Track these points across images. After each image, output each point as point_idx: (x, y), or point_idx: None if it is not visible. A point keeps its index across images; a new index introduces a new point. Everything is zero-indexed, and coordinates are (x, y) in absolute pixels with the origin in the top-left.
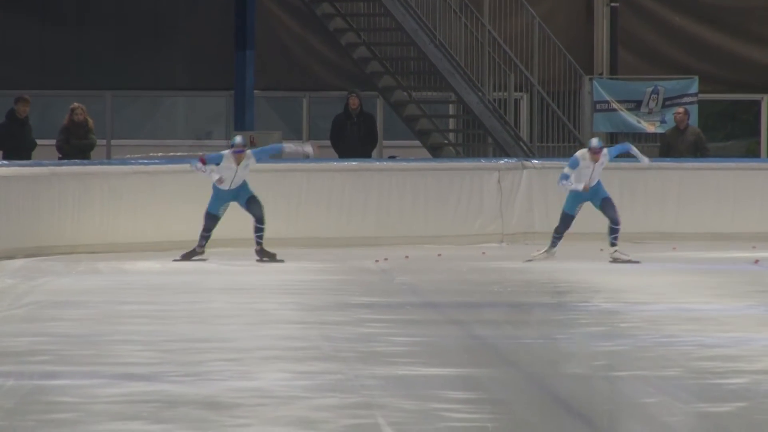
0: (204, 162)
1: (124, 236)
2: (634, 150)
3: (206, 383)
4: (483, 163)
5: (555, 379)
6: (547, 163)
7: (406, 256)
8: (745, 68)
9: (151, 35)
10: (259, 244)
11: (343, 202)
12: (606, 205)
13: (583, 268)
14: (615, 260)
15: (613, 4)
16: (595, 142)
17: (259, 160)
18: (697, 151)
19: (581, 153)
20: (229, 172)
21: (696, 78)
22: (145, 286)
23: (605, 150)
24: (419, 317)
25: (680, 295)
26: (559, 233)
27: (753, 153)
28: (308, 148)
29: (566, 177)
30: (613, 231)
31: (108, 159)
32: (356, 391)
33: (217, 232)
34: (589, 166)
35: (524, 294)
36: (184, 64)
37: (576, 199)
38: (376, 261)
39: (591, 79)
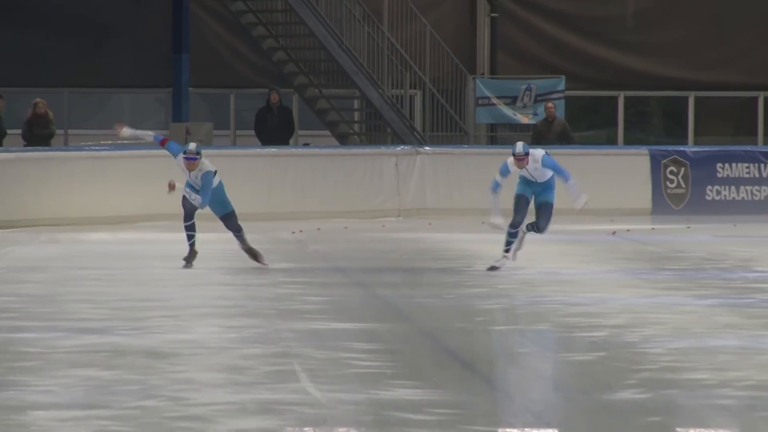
0: (163, 144)
1: (79, 211)
2: (572, 186)
3: (149, 336)
4: (383, 149)
5: (444, 332)
6: (438, 149)
7: (318, 228)
8: (605, 68)
9: (102, 41)
10: (243, 244)
11: (264, 182)
12: (542, 211)
13: (467, 238)
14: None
15: (492, 15)
16: (519, 147)
17: (204, 184)
18: (563, 139)
19: (510, 160)
20: (185, 173)
21: (563, 77)
22: (97, 253)
23: (537, 155)
24: (329, 280)
25: (550, 262)
26: (513, 228)
27: (611, 141)
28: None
29: (495, 186)
30: (533, 229)
31: (65, 146)
32: (276, 343)
33: (157, 206)
34: (524, 171)
35: (417, 260)
36: (128, 66)
37: (520, 185)
38: (293, 232)
39: (474, 78)
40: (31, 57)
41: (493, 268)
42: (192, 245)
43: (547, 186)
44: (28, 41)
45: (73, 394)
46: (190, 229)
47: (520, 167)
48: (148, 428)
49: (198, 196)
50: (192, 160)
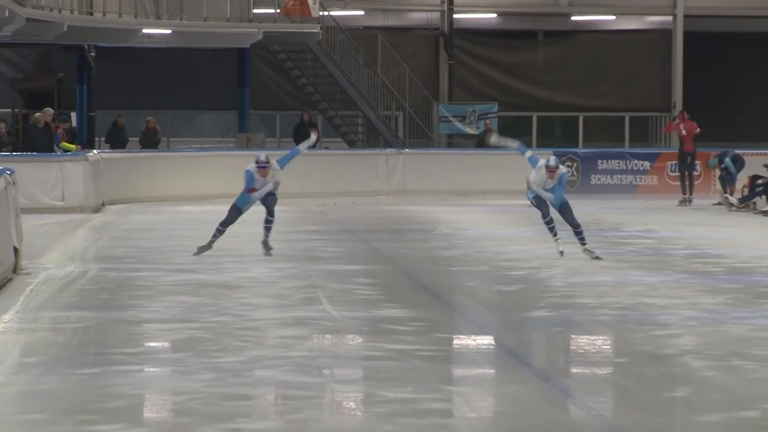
0: (252, 191)
1: (176, 191)
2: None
3: (222, 274)
4: (377, 151)
5: (418, 272)
6: (413, 151)
7: (335, 203)
8: (524, 97)
9: (192, 78)
10: (266, 236)
11: (300, 172)
12: (564, 211)
13: (433, 209)
14: (589, 256)
15: (450, 62)
16: (552, 160)
17: (282, 167)
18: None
19: (542, 162)
20: (259, 182)
21: (496, 103)
22: (188, 220)
23: (562, 171)
24: (342, 237)
25: (488, 225)
26: (545, 218)
27: (528, 145)
28: (313, 137)
29: (527, 152)
30: (578, 234)
31: (167, 148)
32: (306, 279)
33: (228, 188)
34: (545, 176)
35: (400, 224)
36: (209, 95)
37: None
38: (317, 206)
39: (437, 104)
40: (145, 89)
41: (561, 253)
42: (213, 241)
43: (559, 191)
44: (144, 79)
45: (172, 312)
46: (221, 232)
47: (551, 177)
48: (221, 335)
49: (266, 189)
50: (264, 167)
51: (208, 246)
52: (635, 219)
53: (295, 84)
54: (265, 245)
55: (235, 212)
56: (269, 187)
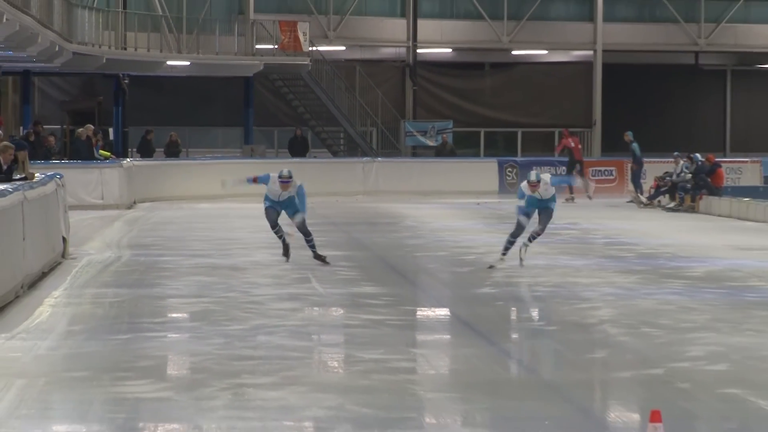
0: (256, 181)
1: (194, 192)
2: (578, 182)
3: (231, 258)
4: (355, 159)
5: (390, 257)
6: (385, 159)
7: (321, 201)
8: (473, 116)
9: (208, 100)
10: (312, 250)
11: (296, 177)
12: (543, 215)
13: (401, 206)
14: (522, 252)
15: (414, 88)
16: (532, 176)
17: (299, 194)
18: (451, 154)
19: (524, 184)
20: (275, 193)
21: (451, 121)
22: (204, 215)
23: (545, 178)
24: (328, 229)
25: (445, 219)
26: (513, 237)
27: (477, 155)
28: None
29: (520, 209)
30: (534, 236)
31: (186, 157)
32: (299, 263)
33: (238, 189)
34: (534, 193)
35: (375, 218)
36: (220, 114)
37: (528, 206)
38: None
39: (404, 121)
40: (168, 109)
41: (491, 267)
42: (283, 240)
43: (551, 199)
44: (167, 101)
45: (190, 289)
46: (278, 232)
47: (533, 192)
48: (229, 308)
49: (293, 229)
50: (286, 182)
51: (286, 246)
52: (563, 214)
53: (289, 105)
54: (318, 257)
55: (269, 213)
56: (286, 196)
